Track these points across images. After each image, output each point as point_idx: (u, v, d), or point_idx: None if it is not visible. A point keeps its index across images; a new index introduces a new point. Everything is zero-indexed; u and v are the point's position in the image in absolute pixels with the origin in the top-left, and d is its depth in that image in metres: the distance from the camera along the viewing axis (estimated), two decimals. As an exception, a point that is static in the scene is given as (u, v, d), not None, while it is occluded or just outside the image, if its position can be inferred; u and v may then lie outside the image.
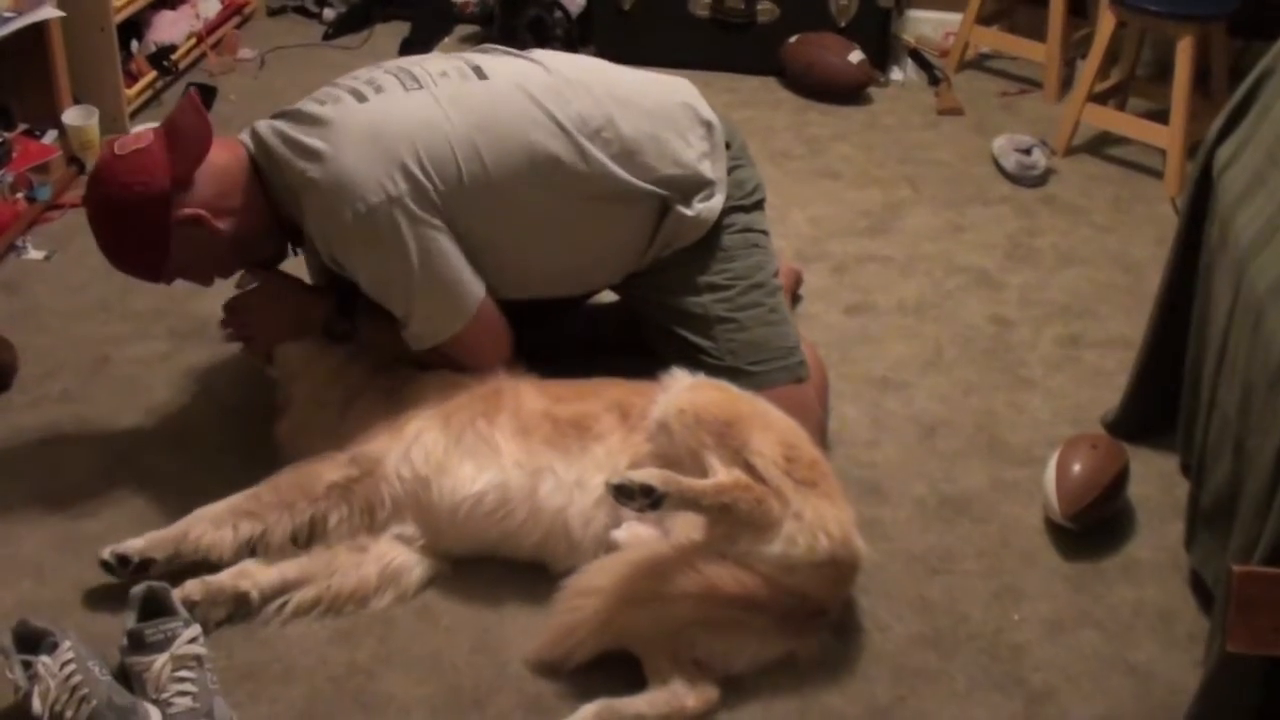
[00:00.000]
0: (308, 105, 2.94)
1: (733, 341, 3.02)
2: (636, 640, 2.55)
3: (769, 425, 2.69)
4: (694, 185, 3.03)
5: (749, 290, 3.07)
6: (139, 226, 2.83)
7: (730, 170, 3.12)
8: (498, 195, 2.84)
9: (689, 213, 3.01)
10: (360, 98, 2.88)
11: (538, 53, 3.12)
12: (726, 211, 3.08)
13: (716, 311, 3.03)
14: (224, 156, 2.90)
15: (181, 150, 2.85)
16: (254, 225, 2.93)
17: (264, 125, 2.94)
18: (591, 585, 2.56)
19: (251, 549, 2.72)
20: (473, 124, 2.85)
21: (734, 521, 2.52)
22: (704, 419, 2.66)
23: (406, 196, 2.76)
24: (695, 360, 2.94)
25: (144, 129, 2.91)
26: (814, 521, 2.54)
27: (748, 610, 2.54)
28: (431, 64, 3.00)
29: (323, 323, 3.02)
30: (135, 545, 2.67)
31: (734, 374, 2.93)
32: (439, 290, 2.84)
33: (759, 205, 3.19)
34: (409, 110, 2.85)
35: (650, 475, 2.48)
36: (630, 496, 2.47)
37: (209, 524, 2.72)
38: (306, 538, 2.76)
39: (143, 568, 2.66)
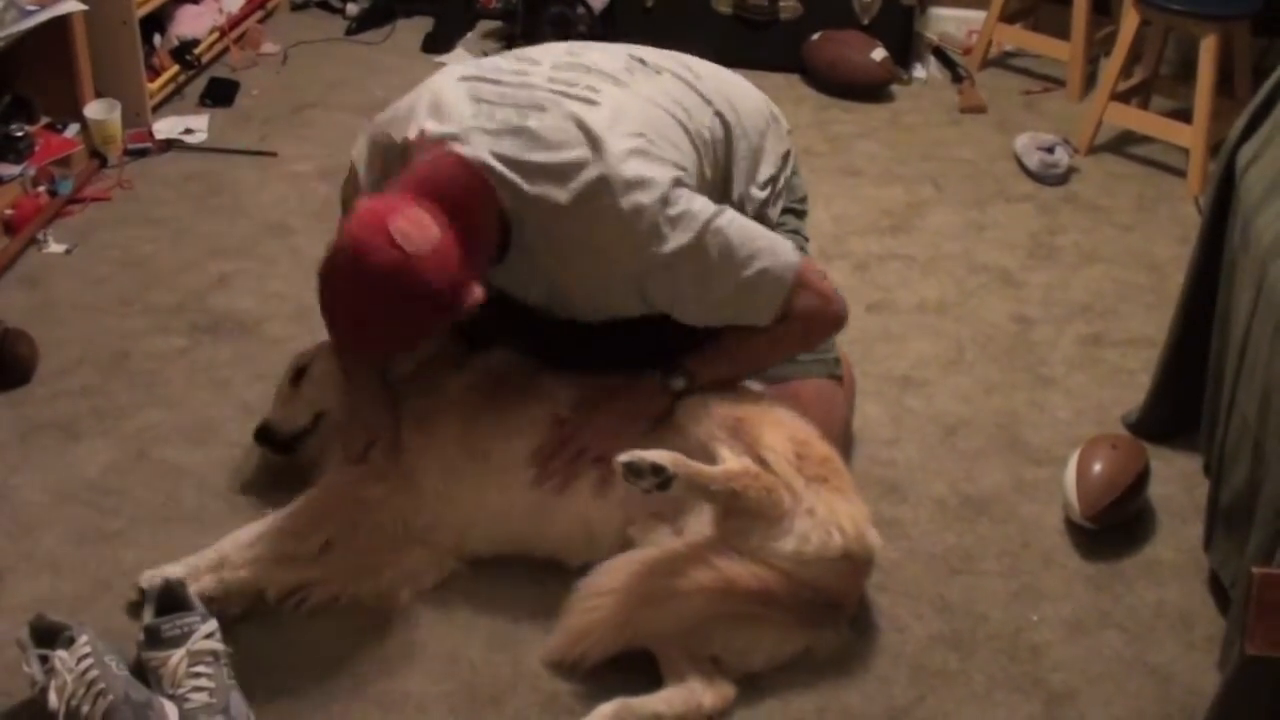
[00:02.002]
0: (527, 131, 2.61)
1: None
2: (653, 638, 2.55)
3: (779, 422, 2.69)
4: (765, 200, 3.01)
5: None
6: (420, 322, 2.53)
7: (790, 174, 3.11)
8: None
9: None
10: (586, 100, 2.65)
11: (655, 53, 3.01)
12: (782, 211, 3.07)
13: None
14: (492, 222, 2.62)
15: (478, 247, 2.55)
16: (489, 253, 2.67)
17: (501, 165, 2.59)
18: (607, 585, 2.55)
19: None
20: (682, 114, 2.76)
21: (744, 512, 2.52)
22: (715, 414, 2.67)
23: (676, 187, 2.61)
24: None
25: (411, 206, 2.47)
26: (827, 517, 2.54)
27: (764, 605, 2.53)
28: (599, 58, 2.81)
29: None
30: (174, 572, 2.63)
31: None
32: (749, 256, 2.65)
33: (805, 214, 3.16)
34: (641, 106, 2.69)
35: (661, 455, 2.47)
36: (640, 475, 2.46)
37: (246, 544, 2.70)
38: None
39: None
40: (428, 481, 2.78)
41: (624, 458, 2.46)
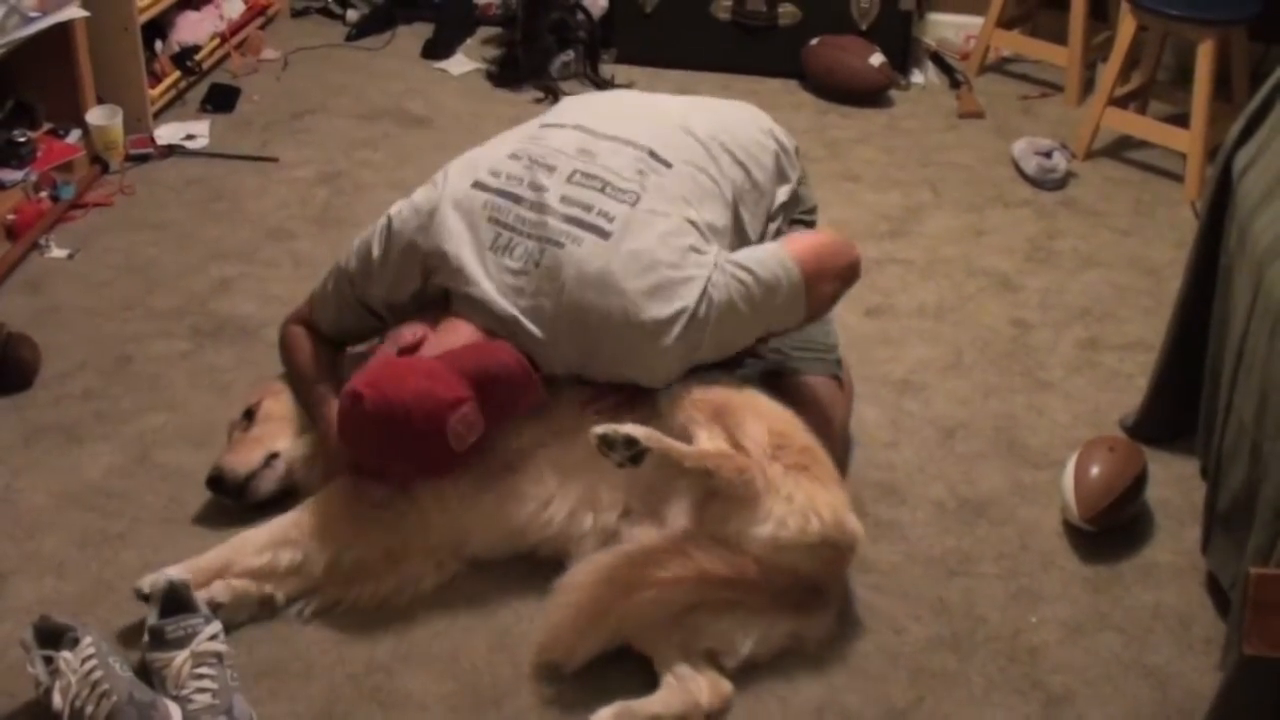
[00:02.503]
0: (548, 274, 2.78)
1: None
2: (635, 629, 2.56)
3: (760, 412, 2.73)
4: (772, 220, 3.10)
5: None
6: (450, 456, 2.69)
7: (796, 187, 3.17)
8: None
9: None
10: (599, 231, 2.77)
11: (665, 107, 3.16)
12: (791, 222, 3.13)
13: None
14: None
15: (505, 415, 2.77)
16: None
17: (522, 319, 2.78)
18: (582, 579, 2.58)
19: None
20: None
21: (719, 491, 2.55)
22: (698, 401, 2.72)
23: (701, 244, 2.78)
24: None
25: (470, 408, 2.65)
26: (805, 504, 2.57)
27: (742, 591, 2.56)
28: (612, 162, 2.89)
29: None
30: (177, 574, 2.62)
31: (776, 355, 2.98)
32: (761, 273, 2.77)
33: (814, 224, 3.23)
34: (654, 228, 2.79)
35: (634, 429, 2.50)
36: (612, 447, 2.49)
37: (252, 552, 2.71)
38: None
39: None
40: (426, 487, 2.79)
41: (598, 429, 2.50)
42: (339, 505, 2.78)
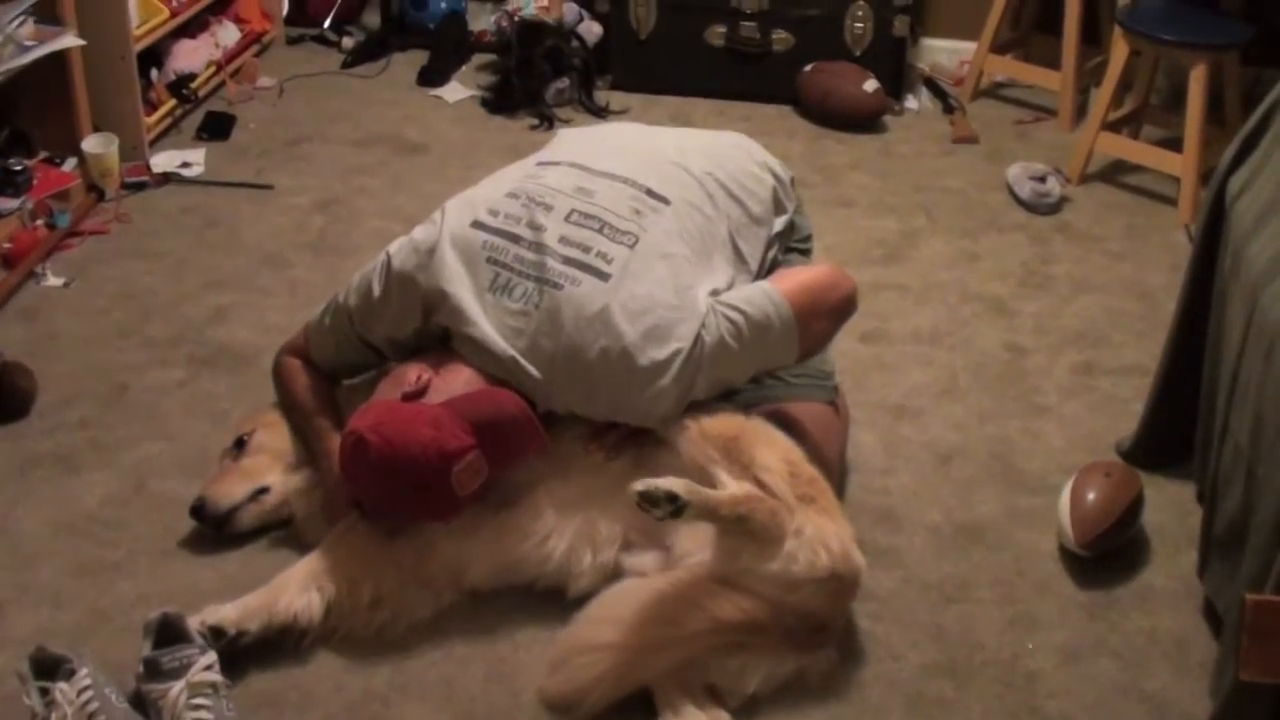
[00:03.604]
0: (547, 317, 2.77)
1: None
2: (648, 680, 2.56)
3: (771, 442, 2.73)
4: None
5: None
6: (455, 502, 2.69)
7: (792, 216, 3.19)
8: None
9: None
10: (598, 273, 2.77)
11: (660, 141, 3.15)
12: (785, 250, 3.14)
13: None
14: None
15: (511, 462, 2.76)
16: None
17: (524, 364, 2.78)
18: (603, 640, 2.56)
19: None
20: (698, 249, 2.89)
21: (749, 534, 2.54)
22: (709, 434, 2.70)
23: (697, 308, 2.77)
24: None
25: (474, 455, 2.64)
26: (814, 538, 2.57)
27: (752, 634, 2.55)
28: (609, 200, 2.90)
29: None
30: (228, 616, 2.61)
31: (773, 383, 2.97)
32: (751, 311, 2.78)
33: (810, 252, 3.25)
34: (652, 272, 2.79)
35: (675, 484, 2.49)
36: (655, 504, 2.47)
37: (296, 591, 2.69)
38: None
39: (237, 639, 2.61)
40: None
41: (639, 486, 2.48)
42: (363, 540, 2.77)
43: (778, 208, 3.11)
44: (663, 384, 2.71)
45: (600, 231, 2.81)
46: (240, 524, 2.93)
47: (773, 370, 2.93)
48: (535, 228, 2.81)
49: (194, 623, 2.57)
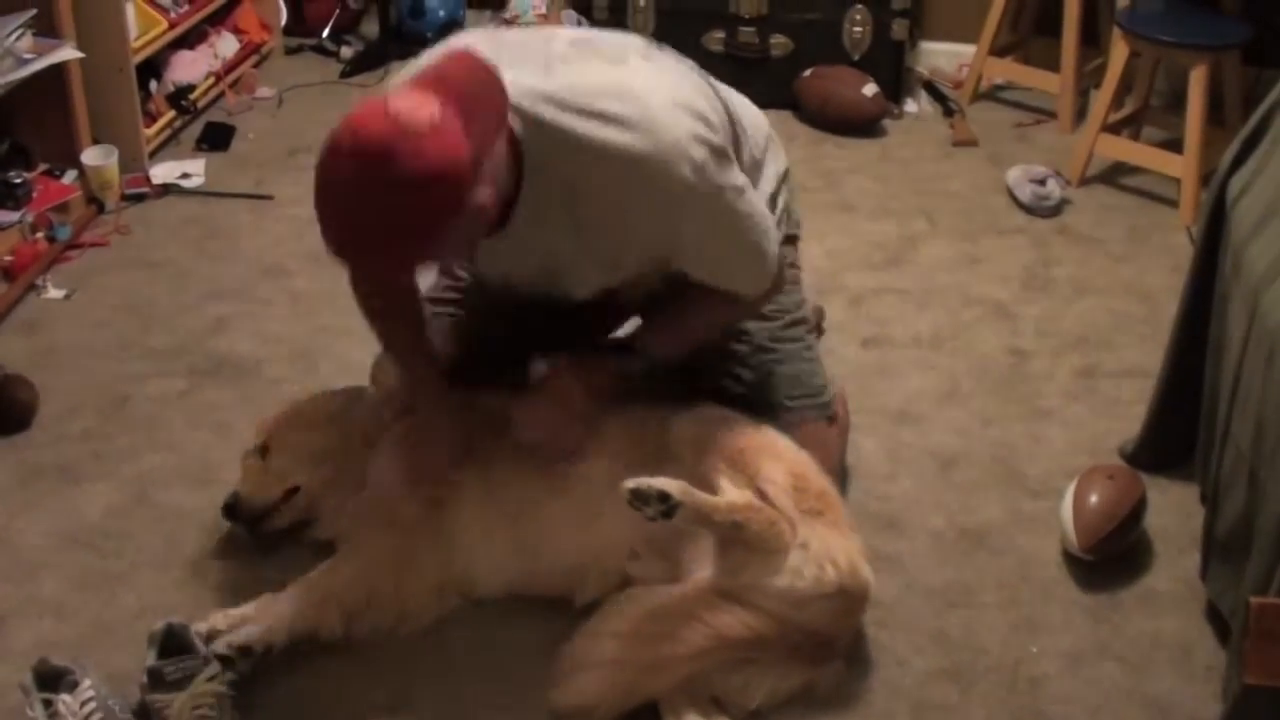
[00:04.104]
0: (557, 70, 2.54)
1: (771, 374, 3.00)
2: (655, 696, 2.55)
3: (778, 454, 2.71)
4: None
5: (792, 325, 3.05)
6: (424, 213, 2.27)
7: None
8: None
9: None
10: (611, 60, 2.60)
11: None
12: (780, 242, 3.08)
13: (759, 340, 3.01)
14: (503, 134, 2.46)
15: (480, 127, 2.31)
16: (499, 209, 2.52)
17: (524, 99, 2.47)
18: (610, 656, 2.54)
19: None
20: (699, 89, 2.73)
21: (744, 543, 2.53)
22: (715, 446, 2.68)
23: (721, 143, 2.62)
24: (729, 391, 2.94)
25: (413, 89, 2.30)
26: (820, 552, 2.55)
27: (758, 649, 2.55)
28: (616, 38, 2.75)
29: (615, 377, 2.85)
30: (253, 635, 2.59)
31: (769, 407, 2.93)
32: (763, 230, 2.71)
33: (798, 239, 3.20)
34: (666, 72, 2.66)
35: (667, 484, 2.48)
36: (646, 502, 2.47)
37: (318, 599, 2.67)
38: None
39: (265, 656, 2.60)
40: (459, 527, 2.79)
41: (631, 484, 2.47)
42: (385, 548, 2.76)
43: (759, 165, 3.02)
44: (687, 151, 2.52)
45: (610, 43, 2.72)
46: (273, 524, 2.92)
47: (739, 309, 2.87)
48: (545, 37, 2.71)
49: (220, 645, 2.56)
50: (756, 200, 2.72)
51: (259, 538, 2.92)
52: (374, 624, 2.71)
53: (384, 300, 2.88)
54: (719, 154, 2.59)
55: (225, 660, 2.56)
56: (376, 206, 2.26)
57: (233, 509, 2.92)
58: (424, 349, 2.92)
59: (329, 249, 2.37)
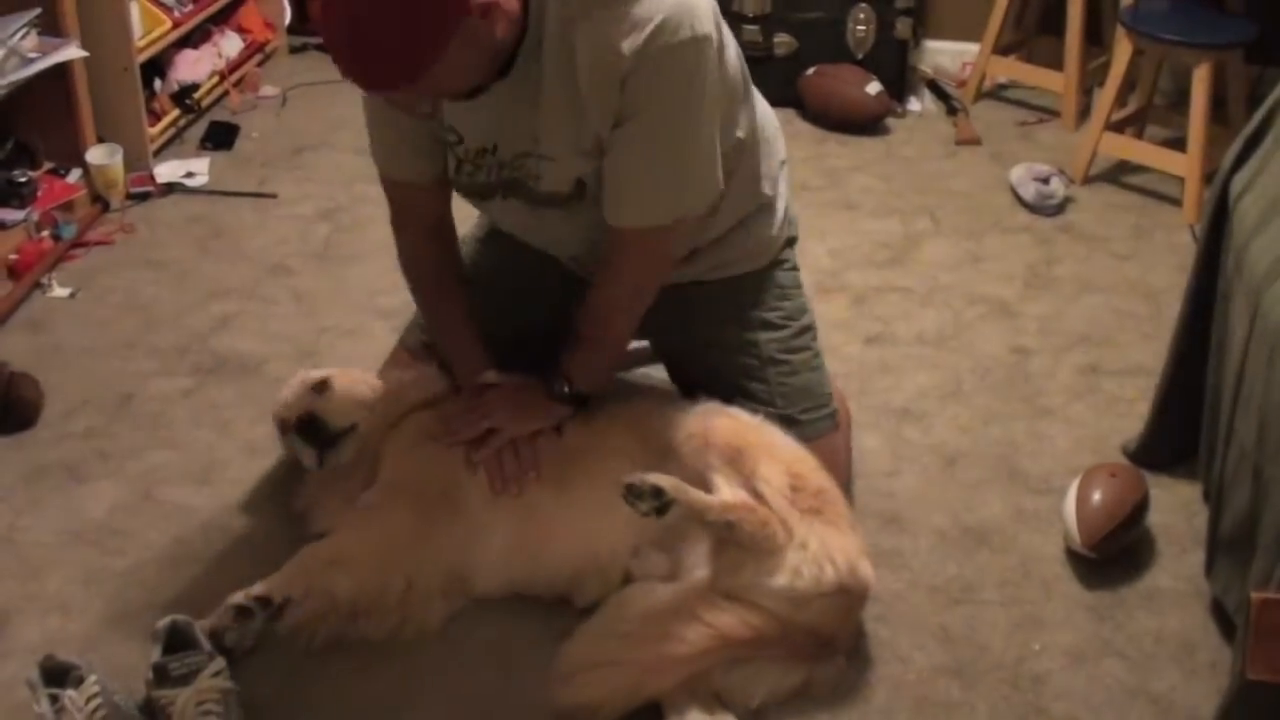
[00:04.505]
0: None
1: (784, 386, 2.97)
2: (656, 696, 2.55)
3: (776, 454, 2.71)
4: (770, 206, 3.01)
5: (800, 333, 3.04)
6: (428, 9, 2.31)
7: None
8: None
9: (772, 228, 3.01)
10: None
11: None
12: (782, 245, 3.07)
13: (770, 352, 2.98)
14: None
15: None
16: (505, 39, 2.49)
17: None
18: (611, 657, 2.54)
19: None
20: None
21: (738, 542, 2.53)
22: (713, 444, 2.69)
23: (721, 45, 2.60)
24: (743, 406, 2.90)
25: None
26: (819, 551, 2.55)
27: (759, 648, 2.55)
28: None
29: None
30: (274, 583, 2.61)
31: (784, 421, 2.90)
32: (699, 159, 2.64)
33: (795, 241, 3.17)
34: None
35: (662, 479, 2.50)
36: (640, 497, 2.49)
37: (324, 564, 2.67)
38: None
39: (284, 608, 2.60)
40: (473, 511, 2.78)
41: (626, 478, 2.49)
42: (397, 524, 2.76)
43: (772, 141, 3.05)
44: (685, 34, 2.48)
45: None
46: (339, 456, 2.89)
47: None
48: None
49: (237, 597, 2.58)
50: (715, 147, 2.65)
51: (323, 466, 2.88)
52: (385, 605, 2.69)
53: (432, 269, 2.96)
54: (719, 54, 2.57)
55: (243, 612, 2.57)
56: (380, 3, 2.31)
57: (311, 425, 2.87)
58: (471, 332, 2.95)
59: (338, 64, 2.44)
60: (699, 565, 2.63)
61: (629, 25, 2.45)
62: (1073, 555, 2.98)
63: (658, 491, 2.48)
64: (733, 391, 2.95)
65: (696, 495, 2.53)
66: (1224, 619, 2.78)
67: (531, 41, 2.53)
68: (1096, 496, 2.95)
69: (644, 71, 2.48)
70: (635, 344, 3.17)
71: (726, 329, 3.00)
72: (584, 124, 2.58)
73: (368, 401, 2.94)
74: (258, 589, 2.60)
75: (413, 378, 2.99)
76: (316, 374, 2.98)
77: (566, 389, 2.84)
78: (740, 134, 2.81)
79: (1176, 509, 3.12)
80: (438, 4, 2.31)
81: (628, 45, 2.46)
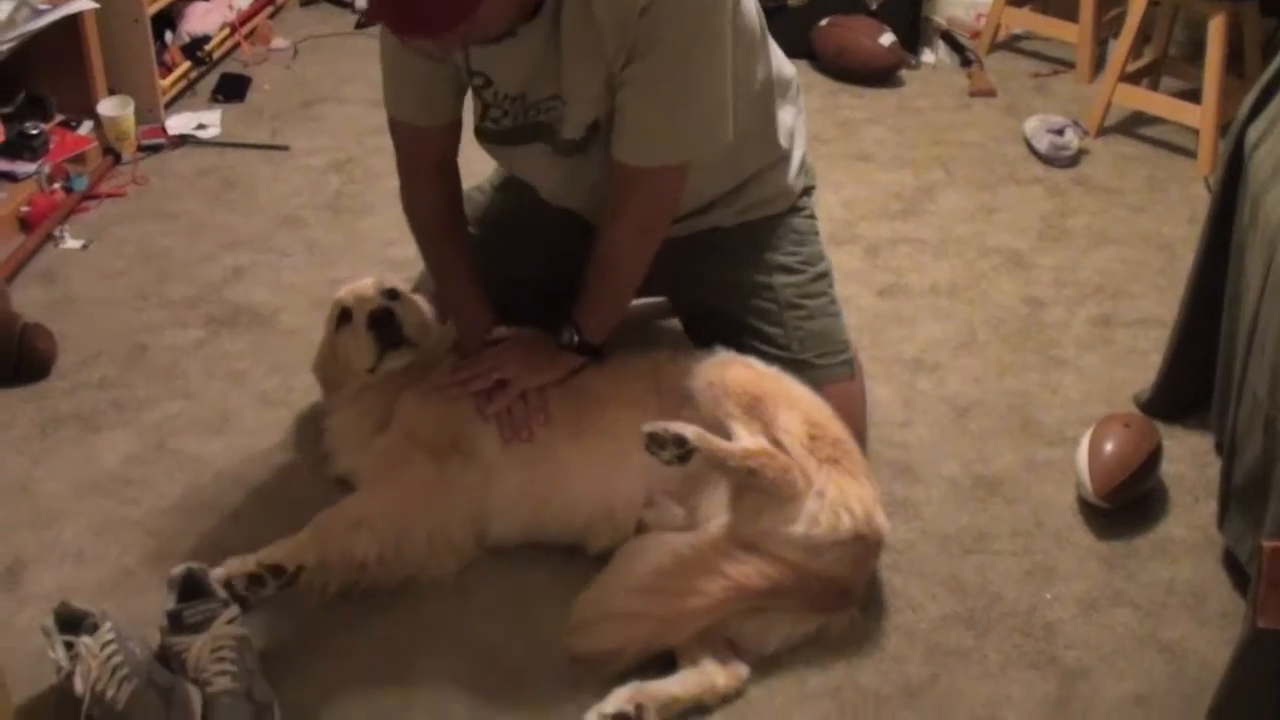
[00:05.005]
0: None
1: (800, 330, 2.98)
2: (672, 644, 2.57)
3: (794, 403, 2.71)
4: (787, 156, 3.02)
5: (817, 279, 3.04)
6: None
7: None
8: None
9: (788, 177, 3.02)
10: None
11: None
12: (800, 193, 3.08)
13: (787, 296, 2.99)
14: None
15: None
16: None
17: None
18: (627, 608, 2.55)
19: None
20: None
21: (758, 489, 2.54)
22: (731, 392, 2.68)
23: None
24: (759, 351, 2.90)
25: None
26: (836, 499, 2.56)
27: (775, 598, 2.56)
28: None
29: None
30: (284, 549, 2.62)
31: (799, 366, 2.90)
32: (709, 100, 2.65)
33: (813, 190, 3.18)
34: None
35: (684, 428, 2.50)
36: (662, 445, 2.49)
37: (344, 527, 2.67)
38: None
39: (296, 575, 2.61)
40: (487, 456, 2.79)
41: (648, 427, 2.50)
42: (417, 480, 2.76)
43: (786, 87, 3.07)
44: None
45: None
46: (399, 358, 2.90)
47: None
48: None
49: (249, 563, 2.59)
50: (726, 92, 2.66)
51: (376, 369, 2.90)
52: (403, 559, 2.69)
53: (437, 215, 2.96)
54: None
55: (255, 579, 2.58)
56: None
57: (388, 323, 2.88)
58: (475, 285, 2.95)
59: (377, 12, 2.44)
60: (713, 515, 2.64)
61: None
62: (1085, 505, 2.99)
63: (680, 440, 2.49)
64: (750, 335, 2.96)
65: (718, 443, 2.54)
66: (1236, 569, 2.78)
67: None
68: (1109, 447, 2.95)
69: (661, 3, 2.48)
70: (650, 299, 3.17)
71: (744, 273, 3.00)
72: (600, 62, 2.58)
73: (430, 326, 2.98)
74: (270, 556, 2.61)
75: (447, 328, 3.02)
76: (389, 280, 3.01)
77: (575, 338, 2.84)
78: (757, 84, 2.80)
79: (1189, 459, 3.12)
80: None
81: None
